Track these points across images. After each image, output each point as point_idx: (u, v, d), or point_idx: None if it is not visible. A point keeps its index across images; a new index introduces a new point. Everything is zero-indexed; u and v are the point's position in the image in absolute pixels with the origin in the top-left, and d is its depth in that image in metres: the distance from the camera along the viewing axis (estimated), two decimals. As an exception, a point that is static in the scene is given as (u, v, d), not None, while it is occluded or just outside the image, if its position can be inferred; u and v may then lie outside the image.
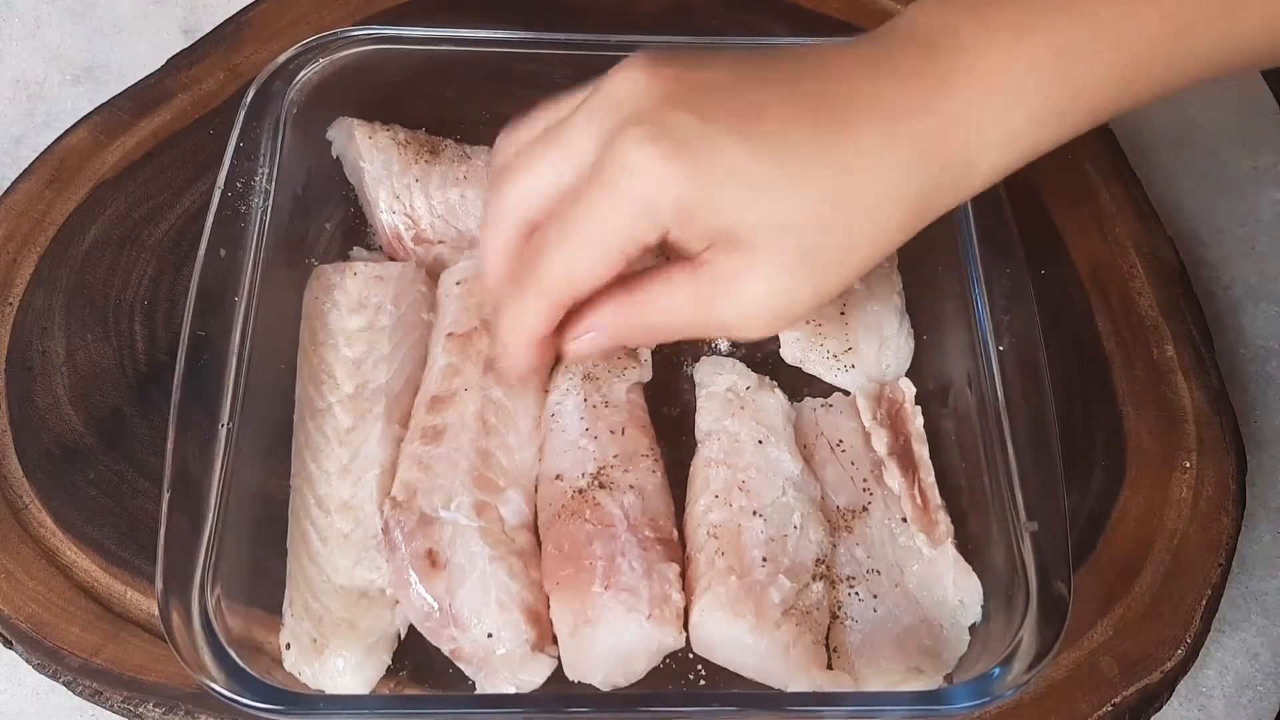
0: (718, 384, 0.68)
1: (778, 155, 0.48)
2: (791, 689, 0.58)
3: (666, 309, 0.52)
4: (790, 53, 0.52)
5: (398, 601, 0.60)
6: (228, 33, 0.85)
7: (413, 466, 0.62)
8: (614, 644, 0.58)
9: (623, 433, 0.65)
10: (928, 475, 0.64)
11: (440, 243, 0.74)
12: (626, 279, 0.53)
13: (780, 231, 0.49)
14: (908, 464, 0.64)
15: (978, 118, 0.50)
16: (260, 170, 0.68)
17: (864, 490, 0.65)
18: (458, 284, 0.69)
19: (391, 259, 0.74)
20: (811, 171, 0.49)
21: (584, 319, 0.54)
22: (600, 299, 0.53)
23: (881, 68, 0.50)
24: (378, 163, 0.74)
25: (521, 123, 0.57)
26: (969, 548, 0.63)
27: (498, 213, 0.54)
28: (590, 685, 0.59)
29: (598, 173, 0.49)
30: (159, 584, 0.55)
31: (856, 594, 0.61)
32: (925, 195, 0.51)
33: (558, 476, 0.63)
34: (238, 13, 0.86)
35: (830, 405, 0.69)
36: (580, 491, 0.62)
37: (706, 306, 0.51)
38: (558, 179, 0.52)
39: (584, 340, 0.55)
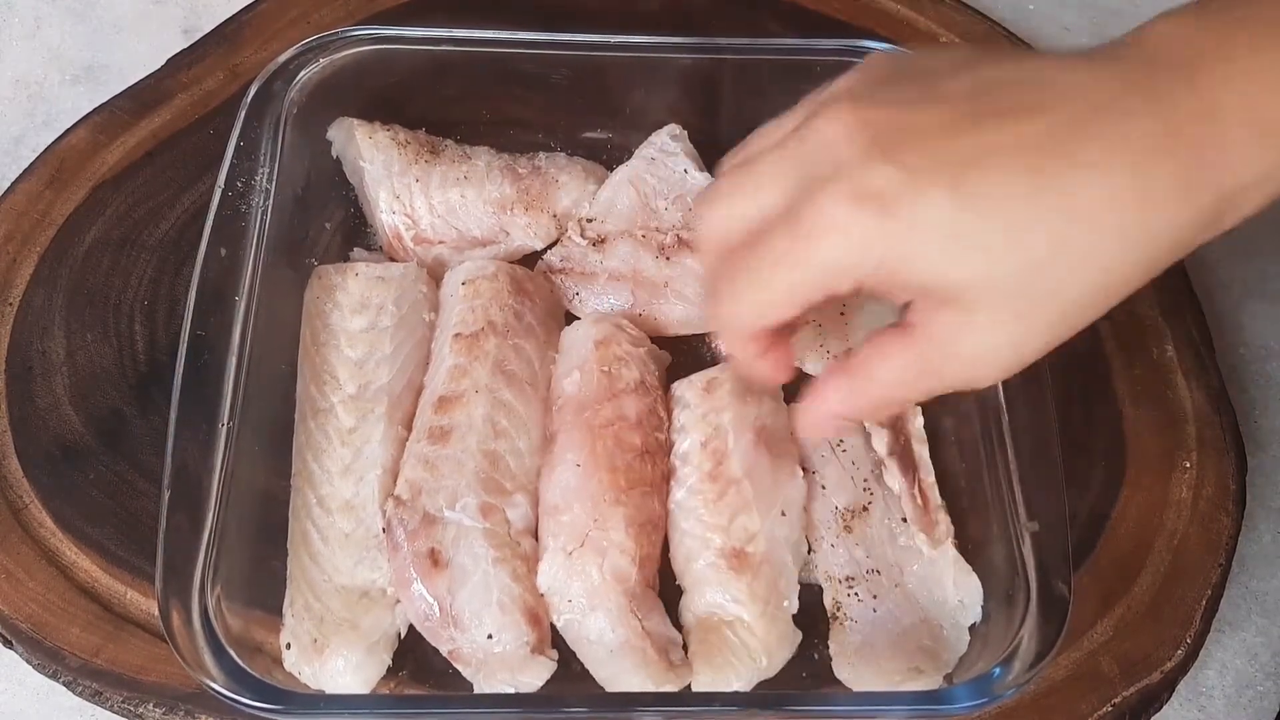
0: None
1: (988, 209, 0.44)
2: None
3: (889, 382, 0.50)
4: (1028, 67, 0.47)
5: (398, 601, 0.60)
6: (228, 33, 0.85)
7: (418, 466, 0.62)
8: None
9: None
10: (928, 475, 0.64)
11: (440, 243, 0.74)
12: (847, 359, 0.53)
13: (992, 287, 0.46)
14: (908, 464, 0.64)
15: (1243, 151, 0.45)
16: (260, 170, 0.68)
17: (864, 490, 0.65)
18: (463, 284, 0.69)
19: (392, 259, 0.74)
20: (1026, 225, 0.44)
21: (812, 403, 0.53)
22: (824, 379, 0.52)
23: (1132, 97, 0.45)
24: (378, 163, 0.74)
25: (746, 142, 0.54)
26: (969, 548, 0.63)
27: (699, 240, 0.54)
28: (590, 685, 0.59)
29: (793, 223, 0.47)
30: (159, 584, 0.55)
31: (856, 594, 0.61)
32: (1171, 240, 0.46)
33: None
34: (238, 13, 0.86)
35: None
36: None
37: (930, 371, 0.49)
38: (746, 217, 0.50)
39: (819, 425, 0.54)
